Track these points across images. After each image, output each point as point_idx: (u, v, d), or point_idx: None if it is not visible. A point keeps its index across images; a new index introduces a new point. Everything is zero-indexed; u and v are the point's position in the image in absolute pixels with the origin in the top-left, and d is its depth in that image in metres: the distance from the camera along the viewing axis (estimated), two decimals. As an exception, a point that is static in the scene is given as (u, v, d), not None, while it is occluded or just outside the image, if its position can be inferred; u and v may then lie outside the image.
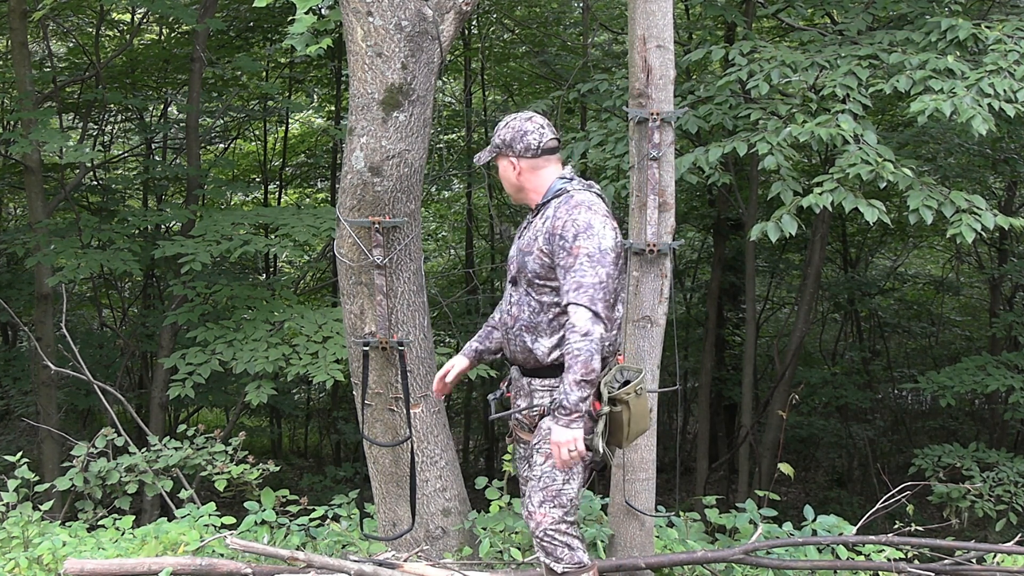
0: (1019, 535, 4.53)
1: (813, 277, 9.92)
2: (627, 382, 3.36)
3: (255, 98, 12.05)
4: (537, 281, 3.29)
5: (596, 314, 3.10)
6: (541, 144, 3.35)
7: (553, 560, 3.29)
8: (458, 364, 3.61)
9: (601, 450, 3.25)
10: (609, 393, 3.25)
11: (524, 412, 3.42)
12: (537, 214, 3.38)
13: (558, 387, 3.29)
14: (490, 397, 3.65)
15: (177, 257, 7.32)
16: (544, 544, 3.30)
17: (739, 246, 11.64)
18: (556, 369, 3.33)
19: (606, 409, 3.24)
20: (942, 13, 6.40)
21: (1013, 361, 8.40)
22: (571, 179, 3.38)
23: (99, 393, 6.56)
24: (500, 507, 4.77)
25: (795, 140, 5.61)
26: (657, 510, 4.49)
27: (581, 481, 3.35)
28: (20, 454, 4.97)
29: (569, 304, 3.14)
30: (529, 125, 3.37)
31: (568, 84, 8.52)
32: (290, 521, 4.79)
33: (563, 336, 3.26)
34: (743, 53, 6.23)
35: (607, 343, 3.32)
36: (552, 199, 3.33)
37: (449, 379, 3.63)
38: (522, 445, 3.59)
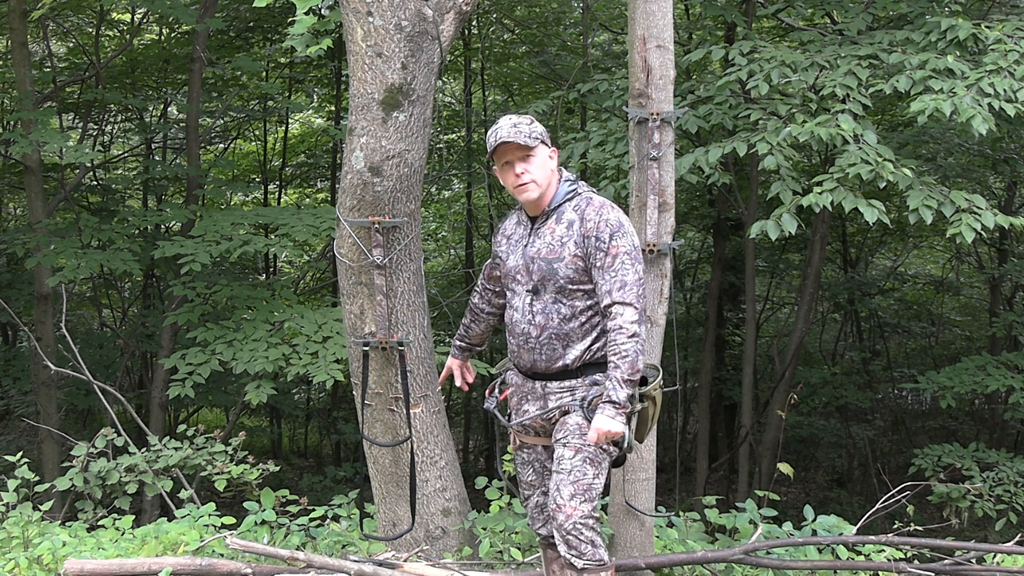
0: (1019, 535, 4.54)
1: (813, 277, 9.92)
2: (644, 378, 3.40)
3: (255, 98, 12.04)
4: (570, 287, 3.30)
5: (640, 312, 3.18)
6: None
7: (576, 555, 3.28)
8: (452, 365, 3.93)
9: (629, 446, 3.31)
10: (640, 390, 3.33)
11: (535, 417, 3.44)
12: (548, 218, 3.37)
13: (579, 387, 3.34)
14: (489, 406, 3.66)
15: (177, 257, 7.32)
16: (570, 538, 3.27)
17: (739, 246, 11.64)
18: (580, 370, 3.36)
19: (639, 406, 3.32)
20: (942, 13, 6.40)
21: (1013, 361, 8.40)
22: (576, 181, 3.42)
23: (99, 393, 6.56)
24: (500, 507, 4.77)
25: (795, 140, 5.61)
26: (657, 510, 4.49)
27: (604, 481, 3.37)
28: (20, 454, 4.96)
29: (615, 303, 3.19)
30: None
31: (568, 84, 8.52)
32: (290, 521, 4.79)
33: (596, 338, 3.32)
34: (743, 53, 6.23)
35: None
36: (565, 202, 3.36)
37: (458, 381, 3.91)
38: (526, 450, 3.60)
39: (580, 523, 3.25)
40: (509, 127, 3.34)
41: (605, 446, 3.29)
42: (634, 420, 3.32)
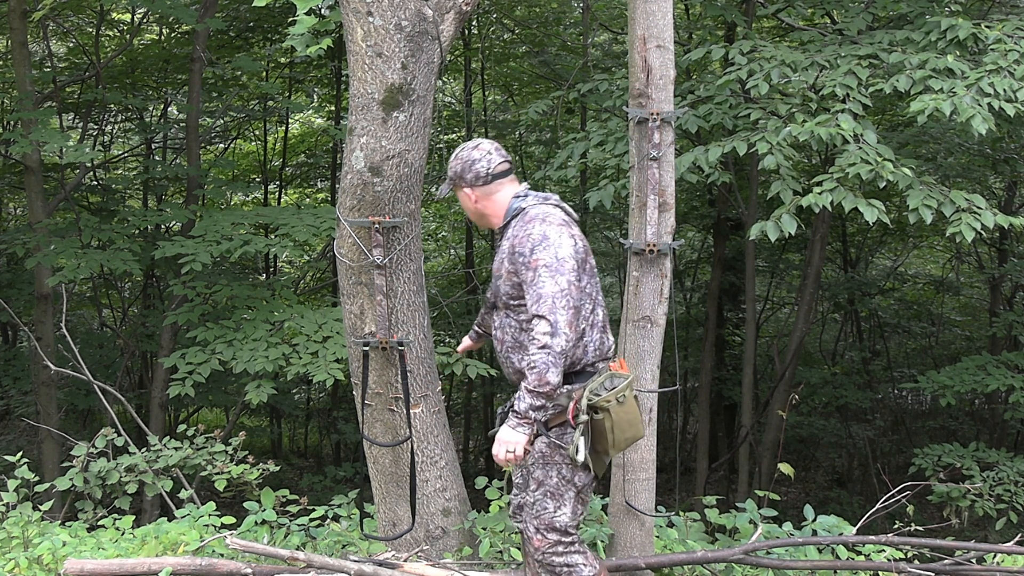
0: (1019, 535, 4.54)
1: (813, 277, 9.92)
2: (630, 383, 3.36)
3: (255, 98, 12.04)
4: (512, 302, 3.34)
5: (554, 324, 3.11)
6: (490, 170, 3.41)
7: None
8: (465, 342, 4.01)
9: (581, 459, 3.25)
10: (589, 401, 3.25)
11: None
12: (501, 236, 3.44)
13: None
14: (500, 411, 3.72)
15: (177, 257, 7.32)
16: (545, 566, 3.38)
17: (739, 246, 11.65)
18: None
19: (583, 418, 3.24)
20: (942, 13, 6.40)
21: (1013, 361, 8.40)
22: (525, 195, 3.42)
23: (99, 393, 6.56)
24: (500, 507, 4.77)
25: (795, 140, 5.61)
26: (657, 510, 4.49)
27: (574, 505, 3.37)
28: (20, 454, 4.97)
29: (533, 316, 3.16)
30: (476, 153, 3.44)
31: (568, 84, 8.52)
32: (290, 521, 4.79)
33: None
34: (743, 52, 6.22)
35: (592, 348, 3.34)
36: (511, 219, 3.39)
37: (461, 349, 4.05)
38: None
39: (548, 552, 3.36)
40: None
41: (568, 477, 3.32)
42: (576, 432, 3.24)
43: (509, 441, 3.20)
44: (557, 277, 3.15)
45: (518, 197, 3.41)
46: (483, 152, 3.44)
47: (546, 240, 3.21)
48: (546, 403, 3.17)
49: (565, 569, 3.36)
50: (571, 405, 3.28)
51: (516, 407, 3.17)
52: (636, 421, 3.36)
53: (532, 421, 3.18)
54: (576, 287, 3.19)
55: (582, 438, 3.25)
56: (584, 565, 3.37)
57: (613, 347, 3.47)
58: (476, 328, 3.97)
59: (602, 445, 3.30)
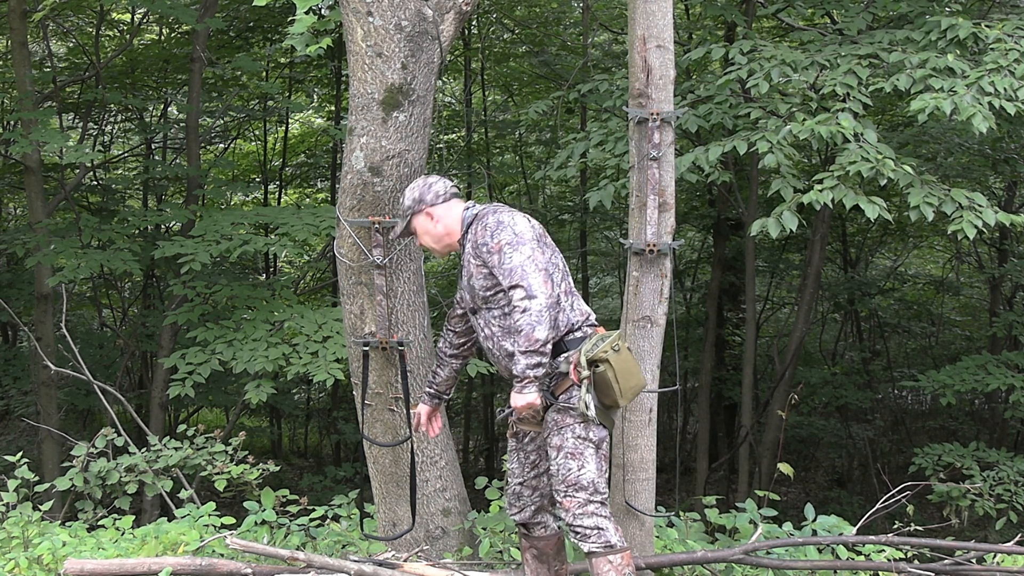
0: (1019, 535, 4.54)
1: (813, 277, 9.92)
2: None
3: (255, 98, 12.04)
4: (488, 294, 3.51)
5: (528, 287, 3.32)
6: (447, 189, 3.66)
7: (582, 539, 3.48)
8: (423, 410, 3.91)
9: (591, 414, 3.39)
10: (587, 356, 3.41)
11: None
12: (463, 249, 3.60)
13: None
14: (500, 415, 3.81)
15: (177, 257, 7.32)
16: (575, 528, 3.48)
17: (739, 246, 11.64)
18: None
19: (586, 373, 3.40)
20: (942, 12, 6.40)
21: (1013, 360, 8.39)
22: (473, 205, 3.65)
23: (99, 393, 6.56)
24: (500, 507, 4.77)
25: (795, 139, 5.61)
26: (657, 510, 4.49)
27: (597, 462, 3.49)
28: (20, 454, 4.97)
29: (508, 289, 3.38)
30: (431, 179, 3.68)
31: (568, 84, 8.51)
32: (290, 521, 4.79)
33: None
34: (743, 52, 6.22)
35: (573, 311, 3.51)
36: (468, 228, 3.58)
37: (424, 428, 3.94)
38: (513, 440, 3.74)
39: (578, 512, 3.46)
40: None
41: (583, 435, 3.45)
42: (583, 388, 3.38)
43: (522, 406, 3.36)
44: (520, 248, 3.38)
45: (467, 209, 3.63)
46: (436, 178, 3.69)
47: (501, 224, 3.46)
48: (541, 360, 3.32)
49: (595, 532, 3.44)
50: (571, 368, 3.42)
51: (515, 371, 3.32)
52: (636, 370, 3.53)
53: (533, 379, 3.33)
54: (540, 252, 3.41)
55: (588, 394, 3.40)
56: (614, 532, 3.47)
57: (592, 313, 3.62)
58: (428, 388, 3.90)
59: (610, 397, 3.45)
